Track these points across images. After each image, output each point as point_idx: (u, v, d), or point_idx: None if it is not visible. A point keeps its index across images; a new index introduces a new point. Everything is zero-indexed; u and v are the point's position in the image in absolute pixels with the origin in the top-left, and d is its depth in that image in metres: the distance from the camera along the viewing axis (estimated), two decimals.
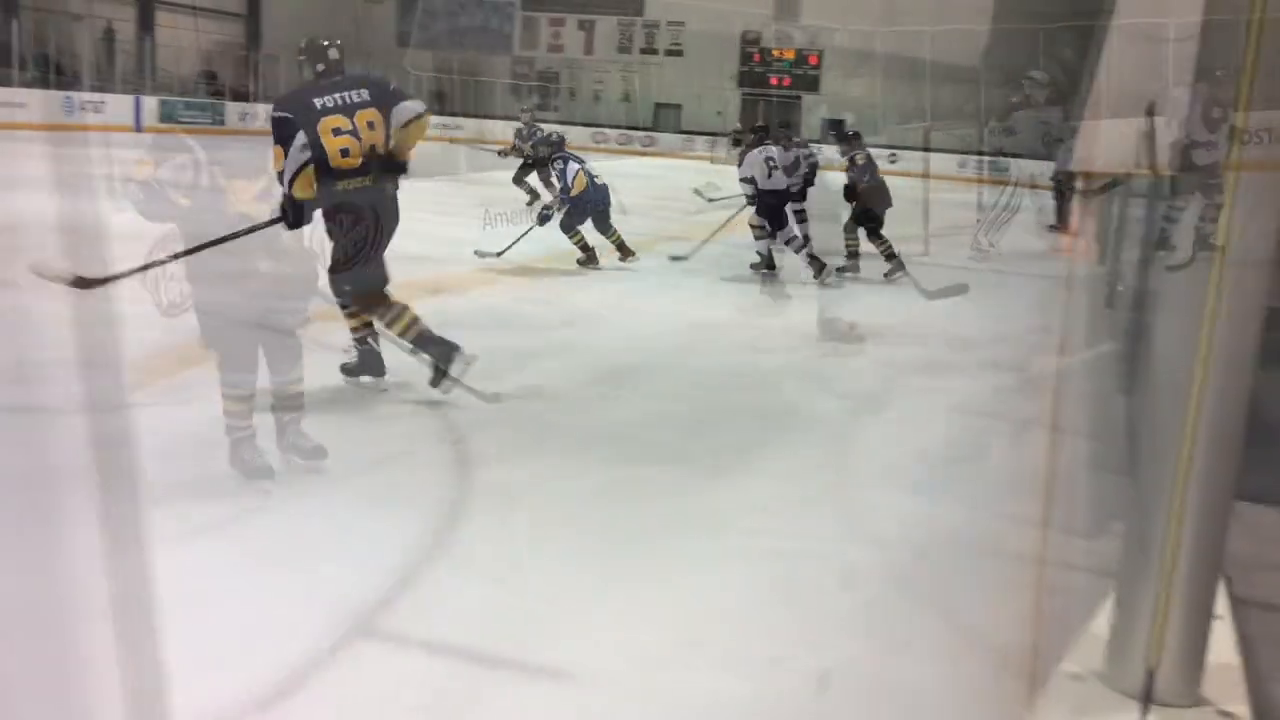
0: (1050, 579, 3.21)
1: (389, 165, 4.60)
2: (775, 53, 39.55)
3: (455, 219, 12.45)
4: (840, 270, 9.20)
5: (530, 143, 13.52)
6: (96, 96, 25.35)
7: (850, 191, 9.41)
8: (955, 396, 5.62)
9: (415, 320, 4.80)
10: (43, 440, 3.94)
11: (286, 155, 4.30)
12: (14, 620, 2.64)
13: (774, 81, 39.54)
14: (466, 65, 40.02)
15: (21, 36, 25.87)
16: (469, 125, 37.14)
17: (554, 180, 9.46)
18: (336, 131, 4.45)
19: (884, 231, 9.30)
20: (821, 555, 3.45)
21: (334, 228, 4.68)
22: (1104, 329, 5.66)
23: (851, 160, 9.48)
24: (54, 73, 25.05)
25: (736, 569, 3.30)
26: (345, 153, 4.46)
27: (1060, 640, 2.76)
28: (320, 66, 4.63)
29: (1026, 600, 3.07)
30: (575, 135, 34.00)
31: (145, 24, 31.99)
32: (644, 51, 41.02)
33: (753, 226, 9.11)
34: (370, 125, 4.53)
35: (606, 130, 35.75)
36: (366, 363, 5.00)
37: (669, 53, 40.51)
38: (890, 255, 9.24)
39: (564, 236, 8.94)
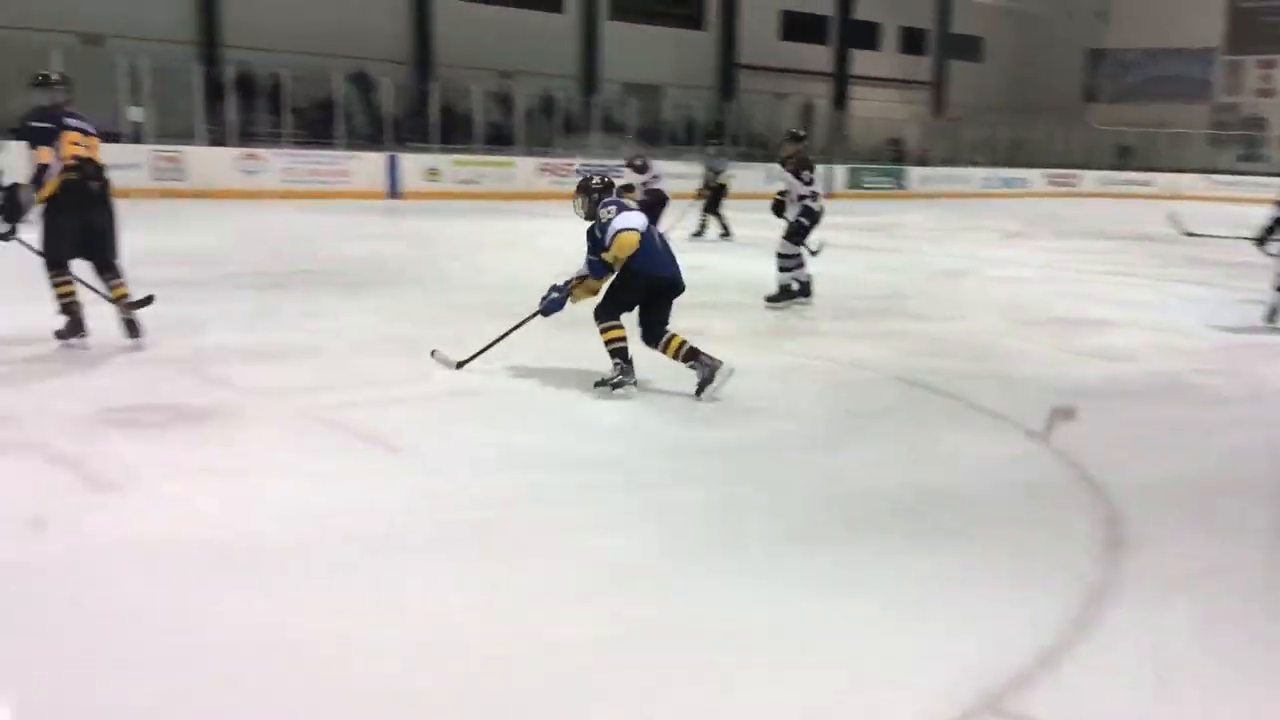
0: None
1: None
2: None
3: (1128, 279, 11.71)
4: None
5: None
6: None
7: None
8: None
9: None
10: None
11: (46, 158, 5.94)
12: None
13: None
14: (1157, 117, 37.43)
15: (735, 117, 29.24)
16: (1161, 180, 34.69)
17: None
18: (74, 144, 6.05)
19: None
20: None
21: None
22: None
23: None
24: (758, 146, 27.91)
25: None
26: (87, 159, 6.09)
27: None
28: (62, 98, 6.19)
29: None
30: None
31: (840, 99, 34.48)
32: None
33: None
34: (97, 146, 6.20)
35: None
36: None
37: None
38: None
39: None
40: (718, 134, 23.67)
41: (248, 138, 21.26)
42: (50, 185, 6.00)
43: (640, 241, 5.45)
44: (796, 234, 8.69)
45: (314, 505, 3.85)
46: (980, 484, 4.38)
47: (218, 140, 20.60)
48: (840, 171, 28.08)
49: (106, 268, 6.29)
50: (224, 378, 5.65)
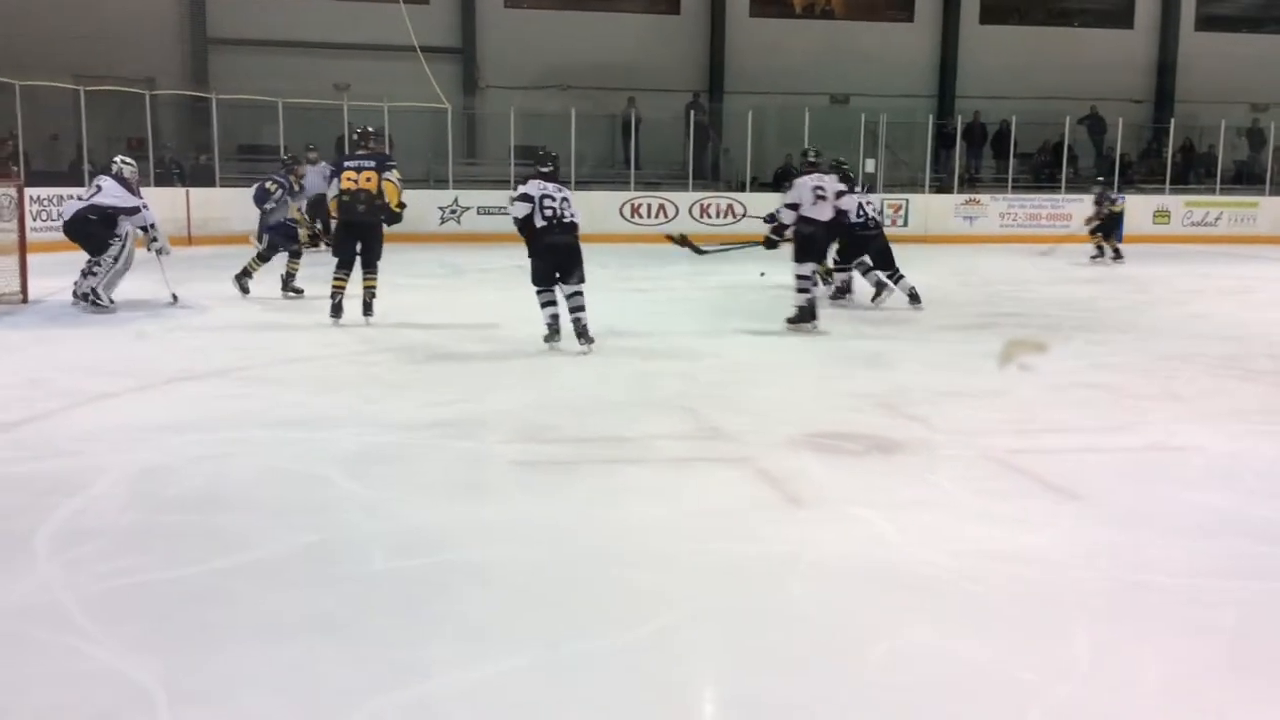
0: None
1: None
2: None
3: None
4: None
5: None
6: None
7: None
8: None
9: None
10: None
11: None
12: None
13: None
14: None
15: None
16: None
17: None
18: (350, 180, 8.60)
19: None
20: None
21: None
22: None
23: None
24: None
25: None
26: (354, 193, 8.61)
27: None
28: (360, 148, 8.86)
29: None
30: None
31: None
32: None
33: None
34: (368, 179, 8.58)
35: None
36: None
37: None
38: None
39: None
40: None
41: (970, 184, 21.73)
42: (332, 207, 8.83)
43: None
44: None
45: (987, 545, 3.88)
46: None
47: (943, 188, 21.34)
48: None
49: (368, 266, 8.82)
50: (920, 414, 5.89)
